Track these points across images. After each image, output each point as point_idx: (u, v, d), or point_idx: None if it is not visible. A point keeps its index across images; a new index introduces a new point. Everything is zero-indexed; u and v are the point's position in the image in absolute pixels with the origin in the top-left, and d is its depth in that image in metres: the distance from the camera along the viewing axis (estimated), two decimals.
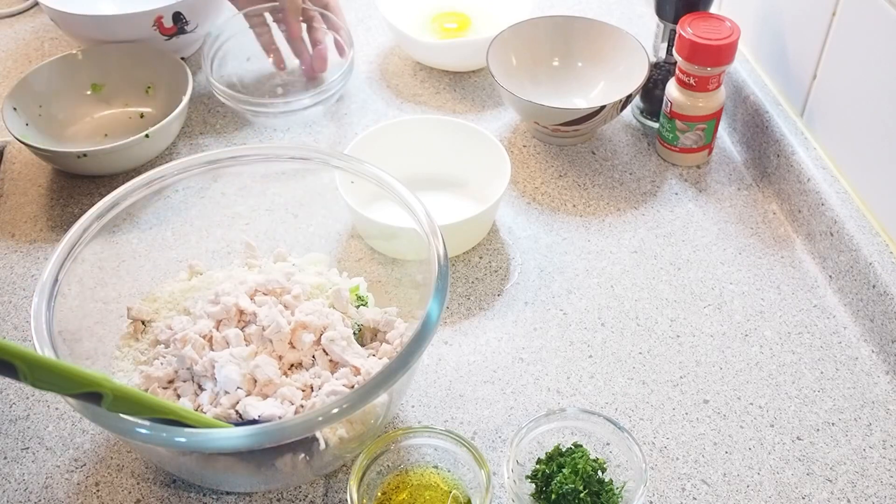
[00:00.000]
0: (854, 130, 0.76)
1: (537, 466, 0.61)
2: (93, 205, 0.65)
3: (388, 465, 0.60)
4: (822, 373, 0.70)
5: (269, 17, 0.97)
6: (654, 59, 0.91)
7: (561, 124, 0.86)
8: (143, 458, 0.64)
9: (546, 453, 0.61)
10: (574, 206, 0.85)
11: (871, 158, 0.74)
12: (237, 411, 0.59)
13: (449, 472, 0.60)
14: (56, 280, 0.60)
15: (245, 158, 0.71)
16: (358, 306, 0.68)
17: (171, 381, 0.62)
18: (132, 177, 0.68)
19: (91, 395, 0.47)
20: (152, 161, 0.89)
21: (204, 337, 0.63)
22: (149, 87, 0.95)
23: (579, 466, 0.59)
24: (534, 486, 0.60)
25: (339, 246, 0.76)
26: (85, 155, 0.83)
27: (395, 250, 0.73)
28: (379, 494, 0.59)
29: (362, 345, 0.66)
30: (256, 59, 0.98)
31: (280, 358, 0.63)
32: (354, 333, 0.66)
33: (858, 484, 0.63)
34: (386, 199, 0.67)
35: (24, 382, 0.44)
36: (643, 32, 1.01)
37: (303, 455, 0.58)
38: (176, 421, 0.52)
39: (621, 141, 0.92)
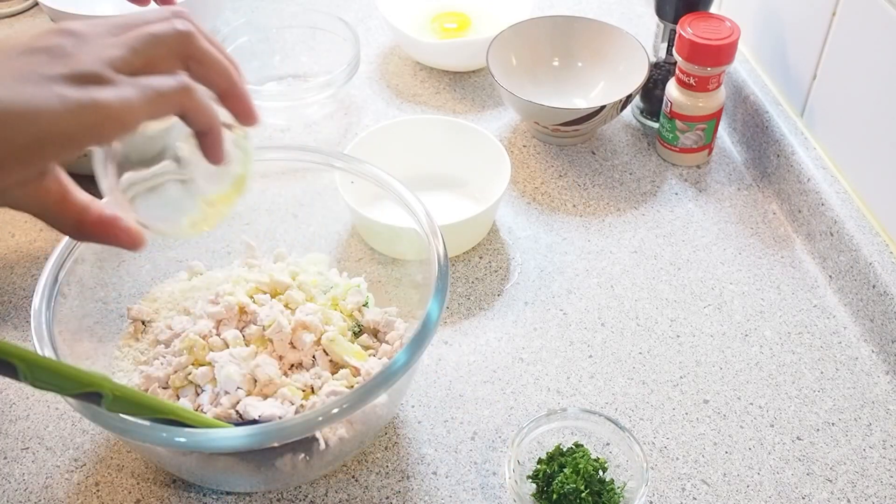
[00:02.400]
0: (854, 130, 0.76)
1: (538, 466, 0.61)
2: None
3: None
4: (822, 373, 0.70)
5: None
6: (654, 59, 0.91)
7: (561, 124, 0.86)
8: (143, 458, 0.64)
9: (547, 453, 0.61)
10: (574, 206, 0.85)
11: (871, 158, 0.74)
12: (237, 411, 0.59)
13: None
14: (56, 280, 0.60)
15: None
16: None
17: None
18: None
19: (91, 395, 0.47)
20: None
21: (203, 337, 0.63)
22: None
23: (580, 466, 0.59)
24: (535, 485, 0.60)
25: (339, 246, 0.76)
26: (85, 155, 0.82)
27: (395, 250, 0.73)
28: None
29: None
30: (259, 58, 0.98)
31: (280, 358, 0.63)
32: (355, 333, 0.66)
33: (858, 484, 0.63)
34: (386, 199, 0.67)
35: (24, 382, 0.44)
36: (643, 32, 1.01)
37: (303, 455, 0.58)
38: (176, 421, 0.52)
39: (621, 141, 0.92)
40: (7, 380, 0.42)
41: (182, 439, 0.51)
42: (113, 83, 0.38)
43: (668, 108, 0.85)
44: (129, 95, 0.38)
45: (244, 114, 0.45)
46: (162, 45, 0.41)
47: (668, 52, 0.89)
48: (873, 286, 0.70)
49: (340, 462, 0.63)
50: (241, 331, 0.63)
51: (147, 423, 0.51)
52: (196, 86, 0.41)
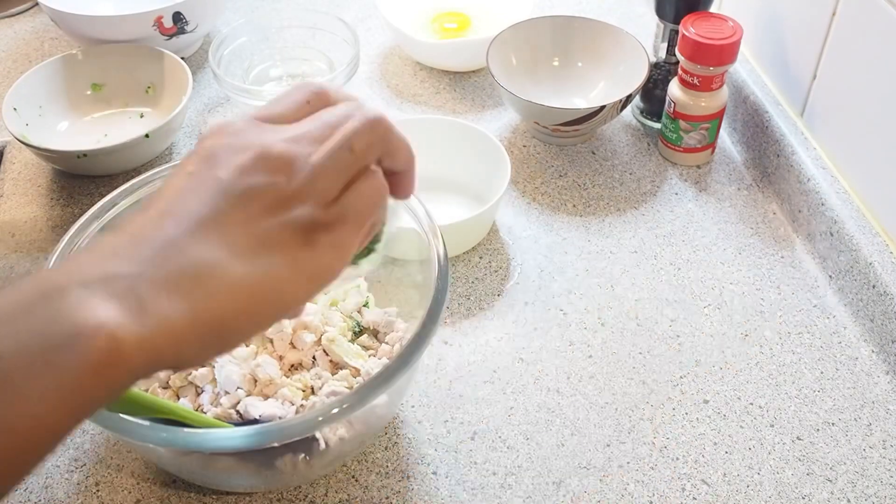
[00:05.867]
0: (854, 130, 0.76)
1: None
2: (93, 205, 0.65)
3: None
4: (822, 373, 0.70)
5: None
6: (654, 59, 0.91)
7: (561, 124, 0.86)
8: (143, 458, 0.64)
9: None
10: (574, 206, 0.85)
11: (871, 158, 0.74)
12: (237, 411, 0.59)
13: None
14: None
15: None
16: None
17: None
18: (132, 177, 0.68)
19: None
20: (152, 161, 0.89)
21: None
22: (149, 87, 0.95)
23: None
24: None
25: None
26: (85, 155, 0.83)
27: (396, 250, 0.73)
28: None
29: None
30: (259, 59, 0.98)
31: (281, 358, 0.63)
32: (355, 334, 0.66)
33: (858, 484, 0.63)
34: None
35: None
36: (643, 32, 1.01)
37: (303, 455, 0.58)
38: (176, 421, 0.52)
39: (621, 141, 0.92)
40: None
41: (182, 439, 0.51)
42: (330, 227, 0.37)
43: (672, 109, 0.85)
44: (348, 241, 0.38)
45: (406, 190, 0.43)
46: (361, 155, 0.39)
47: (669, 52, 0.89)
48: (873, 286, 0.70)
49: (340, 462, 0.63)
50: None
51: (147, 422, 0.51)
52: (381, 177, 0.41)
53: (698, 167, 0.89)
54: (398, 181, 0.42)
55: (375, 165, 0.40)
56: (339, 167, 0.38)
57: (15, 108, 0.88)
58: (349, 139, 0.38)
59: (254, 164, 0.37)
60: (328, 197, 0.38)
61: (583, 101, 0.94)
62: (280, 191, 0.36)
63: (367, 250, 0.45)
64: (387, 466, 0.64)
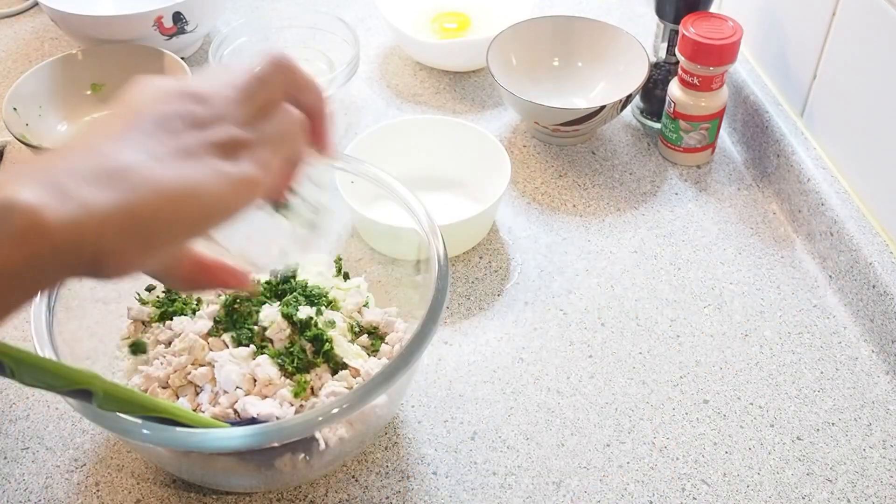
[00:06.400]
0: (854, 130, 0.76)
1: None
2: None
3: None
4: (822, 373, 0.70)
5: None
6: (654, 59, 0.91)
7: (561, 124, 0.86)
8: (143, 458, 0.64)
9: None
10: (574, 206, 0.85)
11: (871, 158, 0.74)
12: (235, 410, 0.59)
13: None
14: None
15: None
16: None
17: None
18: None
19: (81, 392, 0.46)
20: None
21: (203, 337, 0.63)
22: None
23: None
24: None
25: (339, 246, 0.76)
26: None
27: (395, 250, 0.73)
28: None
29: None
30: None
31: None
32: (355, 334, 0.66)
33: (858, 484, 0.63)
34: (386, 199, 0.67)
35: (11, 379, 0.43)
36: (643, 32, 1.01)
37: (303, 455, 0.58)
38: (169, 419, 0.52)
39: (621, 141, 0.92)
40: (7, 380, 0.41)
41: (182, 439, 0.51)
42: (249, 146, 0.40)
43: (672, 109, 0.85)
44: (268, 158, 0.41)
45: (321, 135, 0.45)
46: (269, 85, 0.42)
47: (669, 52, 0.89)
48: (873, 286, 0.70)
49: (340, 462, 0.63)
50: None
51: (148, 423, 0.51)
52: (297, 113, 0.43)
53: (698, 167, 0.89)
54: (313, 125, 0.44)
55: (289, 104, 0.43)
56: (250, 94, 0.41)
57: (15, 108, 0.88)
58: (257, 72, 0.42)
59: (171, 97, 0.40)
60: (244, 121, 0.41)
61: (583, 101, 0.94)
62: (197, 115, 0.40)
63: (291, 206, 0.47)
64: (387, 466, 0.64)
